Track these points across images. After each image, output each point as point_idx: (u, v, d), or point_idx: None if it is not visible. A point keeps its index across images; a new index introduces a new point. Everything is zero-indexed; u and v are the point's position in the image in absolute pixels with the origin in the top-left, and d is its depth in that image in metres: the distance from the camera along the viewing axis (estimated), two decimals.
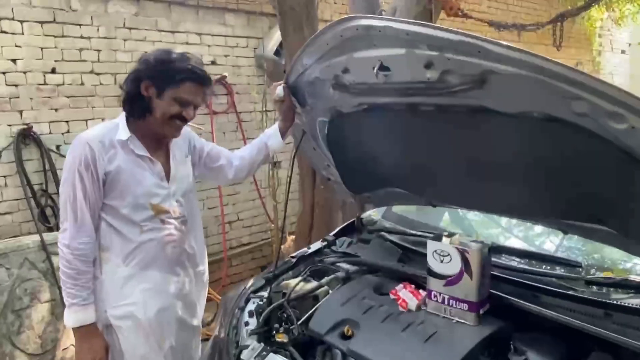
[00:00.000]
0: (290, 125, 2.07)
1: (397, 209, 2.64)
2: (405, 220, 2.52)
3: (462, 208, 1.95)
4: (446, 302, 1.69)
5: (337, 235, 2.50)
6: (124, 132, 1.77)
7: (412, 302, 1.77)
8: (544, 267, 1.84)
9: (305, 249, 2.42)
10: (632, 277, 1.60)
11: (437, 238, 1.71)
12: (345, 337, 1.72)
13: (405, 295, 1.82)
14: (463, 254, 1.62)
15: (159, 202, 1.80)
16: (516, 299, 1.64)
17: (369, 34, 1.34)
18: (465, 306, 1.64)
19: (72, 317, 1.71)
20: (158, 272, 1.82)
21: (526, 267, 1.84)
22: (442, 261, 1.68)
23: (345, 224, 2.58)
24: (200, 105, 1.84)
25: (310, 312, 1.93)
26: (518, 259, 1.92)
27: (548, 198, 1.48)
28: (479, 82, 1.23)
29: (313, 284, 2.10)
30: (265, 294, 2.07)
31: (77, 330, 1.73)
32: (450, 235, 1.70)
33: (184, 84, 1.74)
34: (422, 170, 1.89)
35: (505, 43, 1.11)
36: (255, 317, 1.93)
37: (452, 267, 1.65)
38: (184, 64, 1.74)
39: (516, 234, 2.46)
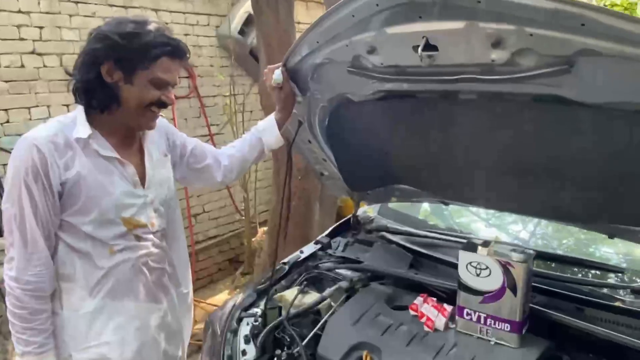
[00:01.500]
0: (288, 116, 1.71)
1: (394, 205, 2.36)
2: (403, 217, 2.24)
3: (488, 208, 1.69)
4: (482, 321, 1.42)
5: (330, 236, 2.19)
6: (83, 128, 1.35)
7: (439, 321, 1.50)
8: (580, 274, 1.61)
9: (298, 253, 2.10)
10: None
11: (471, 248, 1.43)
12: None
13: (429, 311, 1.54)
14: (506, 268, 1.35)
15: (133, 215, 1.42)
16: (560, 314, 1.40)
17: (416, 2, 1.01)
18: (507, 326, 1.38)
19: None
20: (134, 302, 1.44)
21: (563, 274, 1.60)
22: (478, 275, 1.40)
23: (339, 222, 2.27)
24: (178, 82, 1.44)
25: (314, 330, 1.63)
26: (551, 264, 1.69)
27: (610, 201, 1.23)
28: (566, 66, 0.94)
29: (313, 296, 1.79)
30: (258, 310, 1.74)
31: None
32: (486, 243, 1.43)
33: (159, 60, 1.35)
34: (443, 165, 1.60)
35: (617, 11, 0.82)
36: (252, 342, 1.60)
37: (492, 282, 1.38)
38: (155, 36, 1.33)
39: (494, 223, 2.29)
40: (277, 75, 1.56)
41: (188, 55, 1.42)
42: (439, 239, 1.94)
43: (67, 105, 3.41)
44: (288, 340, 1.61)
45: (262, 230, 4.24)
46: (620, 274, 1.55)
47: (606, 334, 1.30)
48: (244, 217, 4.34)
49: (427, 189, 1.75)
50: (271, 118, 1.74)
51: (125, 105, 1.36)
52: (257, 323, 1.69)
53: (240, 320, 1.71)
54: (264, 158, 1.88)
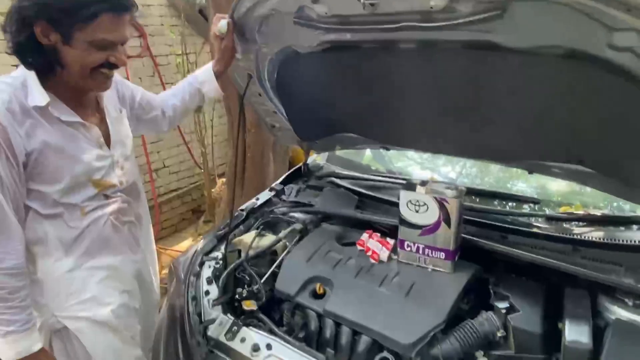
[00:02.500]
0: (226, 68, 1.56)
1: (340, 152, 2.32)
2: (349, 164, 2.22)
3: (425, 151, 1.68)
4: (421, 252, 1.44)
5: (283, 183, 2.13)
6: (39, 96, 1.15)
7: (383, 253, 1.51)
8: (503, 206, 1.66)
9: (254, 200, 2.04)
10: (592, 212, 1.46)
11: (411, 187, 1.42)
12: (317, 295, 1.44)
13: (374, 245, 1.54)
14: (442, 204, 1.36)
15: (102, 177, 1.28)
16: (487, 242, 1.44)
17: None
18: (442, 255, 1.41)
19: (13, 349, 1.17)
20: (112, 257, 1.34)
21: (489, 207, 1.64)
22: (417, 211, 1.41)
23: (291, 171, 2.21)
24: (128, 39, 1.22)
25: (272, 269, 1.61)
26: (476, 199, 1.72)
27: (531, 139, 1.25)
28: (498, 12, 0.90)
29: (269, 238, 1.75)
30: (219, 254, 1.69)
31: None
32: (423, 183, 1.42)
33: (98, 19, 1.12)
34: (385, 113, 1.55)
35: None
36: (214, 283, 1.56)
37: (429, 216, 1.39)
38: None
39: (428, 166, 2.32)
40: (223, 24, 1.42)
41: (135, 9, 1.20)
42: (381, 181, 1.94)
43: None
44: (248, 279, 1.57)
45: (220, 181, 4.12)
46: (536, 205, 1.60)
47: (525, 256, 1.35)
48: (203, 170, 4.19)
49: (370, 136, 1.71)
50: (208, 68, 1.58)
51: (70, 69, 1.17)
52: (218, 266, 1.64)
53: (202, 264, 1.66)
54: (202, 107, 1.74)
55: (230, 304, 1.52)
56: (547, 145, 1.22)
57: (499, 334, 1.23)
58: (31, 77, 1.17)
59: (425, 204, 1.38)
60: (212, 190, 4.09)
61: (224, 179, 4.08)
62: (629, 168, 1.12)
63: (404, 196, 1.42)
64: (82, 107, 1.26)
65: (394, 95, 1.41)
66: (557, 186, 1.69)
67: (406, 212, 1.43)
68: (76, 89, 1.23)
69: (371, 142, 1.79)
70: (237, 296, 1.52)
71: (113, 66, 1.21)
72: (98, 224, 1.29)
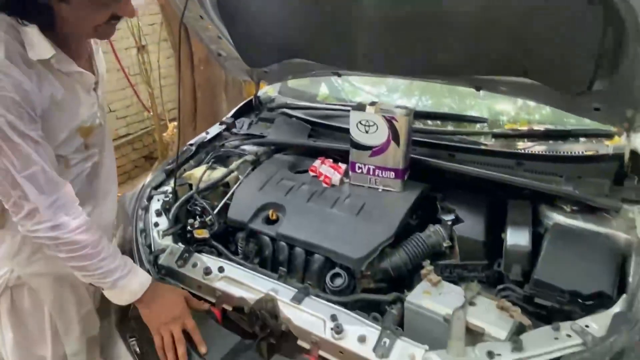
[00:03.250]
0: None
1: (293, 83, 2.26)
2: (302, 95, 2.17)
3: (378, 74, 1.66)
4: (371, 173, 1.46)
5: (235, 117, 2.07)
6: (43, 48, 1.00)
7: (335, 177, 1.52)
8: (451, 126, 1.69)
9: (204, 134, 1.98)
10: (535, 127, 1.51)
11: (360, 108, 1.41)
12: (270, 221, 1.44)
13: (326, 170, 1.55)
14: (390, 122, 1.36)
15: (89, 123, 1.18)
16: (435, 160, 1.47)
17: None
18: (391, 174, 1.43)
19: (127, 292, 1.14)
20: (93, 207, 1.26)
21: (435, 128, 1.66)
22: (367, 131, 1.40)
23: (241, 104, 2.14)
24: None
25: (224, 200, 1.59)
26: (425, 120, 1.74)
27: (477, 53, 1.24)
28: None
29: (221, 170, 1.73)
30: (168, 188, 1.65)
31: (140, 301, 1.16)
32: (372, 103, 1.41)
33: None
34: (331, 35, 1.50)
35: None
36: (164, 215, 1.52)
37: (379, 136, 1.39)
38: None
39: (382, 99, 2.31)
40: None
41: None
42: (334, 109, 1.91)
43: None
44: (199, 211, 1.55)
45: (172, 125, 3.97)
46: (483, 123, 1.64)
47: (470, 171, 1.39)
48: (152, 114, 4.01)
49: (320, 60, 1.66)
50: None
51: (71, 27, 1.02)
52: (167, 199, 1.60)
53: (150, 198, 1.61)
54: None
55: (182, 235, 1.50)
56: (492, 58, 1.22)
57: (445, 245, 1.28)
58: (33, 30, 1.01)
59: (374, 123, 1.38)
60: (164, 134, 3.95)
61: (175, 123, 3.93)
62: (569, 76, 1.14)
63: (354, 117, 1.41)
64: (78, 55, 1.13)
65: (343, 12, 1.36)
66: (504, 107, 1.73)
67: (356, 133, 1.42)
68: (76, 38, 1.11)
69: (322, 67, 1.74)
70: (188, 227, 1.50)
71: (119, 18, 1.06)
72: (81, 177, 1.20)
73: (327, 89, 2.43)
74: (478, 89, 1.44)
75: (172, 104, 4.38)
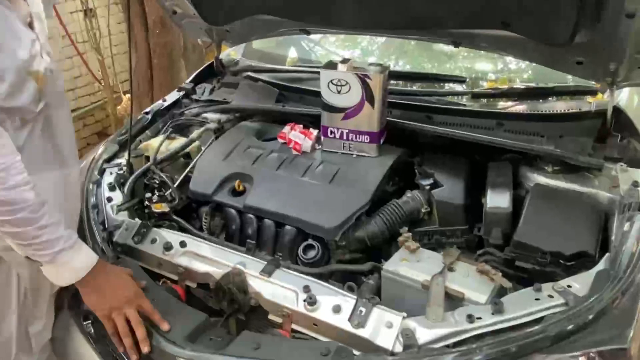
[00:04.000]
0: None
1: (257, 45, 2.19)
2: (269, 57, 2.10)
3: (350, 29, 1.60)
4: (345, 137, 1.44)
5: (194, 82, 1.99)
6: None
7: (306, 143, 1.49)
8: (428, 86, 1.67)
9: (160, 101, 1.90)
10: (516, 85, 1.51)
11: (331, 66, 1.37)
12: (237, 193, 1.41)
13: (296, 136, 1.51)
14: (364, 81, 1.32)
15: (34, 67, 1.04)
16: (411, 122, 1.46)
17: None
18: (366, 138, 1.41)
19: (68, 270, 1.03)
20: (50, 172, 1.14)
21: (412, 89, 1.64)
22: (339, 92, 1.37)
23: (201, 68, 2.06)
24: None
25: (186, 172, 1.55)
26: (402, 82, 1.71)
27: (454, 3, 1.21)
28: None
29: (181, 140, 1.68)
30: (122, 161, 1.58)
31: (84, 283, 1.05)
32: (345, 60, 1.37)
33: None
34: None
35: None
36: (118, 189, 1.46)
37: (352, 97, 1.36)
38: None
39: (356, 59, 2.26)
40: None
41: None
42: (303, 72, 1.86)
43: None
44: (158, 184, 1.50)
45: (126, 97, 3.82)
46: (462, 83, 1.63)
47: (448, 133, 1.38)
48: (103, 86, 3.83)
49: (286, 16, 1.59)
50: None
51: None
52: (121, 172, 1.54)
53: (103, 171, 1.54)
54: None
55: (140, 211, 1.45)
56: (469, 8, 1.20)
57: (423, 210, 1.28)
58: None
59: (347, 82, 1.35)
60: (118, 108, 3.79)
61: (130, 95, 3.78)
62: (550, 26, 1.13)
63: (325, 76, 1.37)
64: None
65: None
66: (484, 67, 1.72)
67: (328, 95, 1.39)
68: None
69: (290, 24, 1.67)
70: (146, 202, 1.45)
71: None
72: (34, 134, 1.08)
73: (296, 52, 2.37)
74: (457, 44, 1.42)
75: (126, 74, 4.20)
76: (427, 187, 1.30)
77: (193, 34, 1.96)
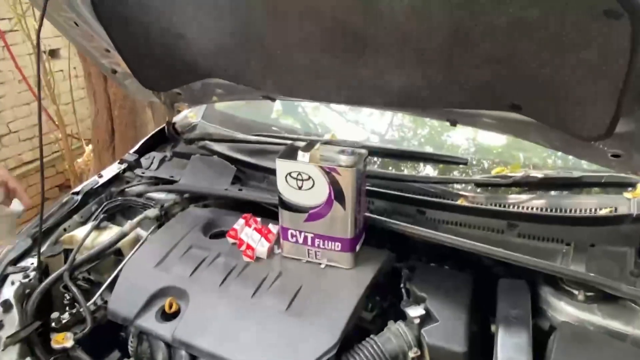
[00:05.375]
0: None
1: (222, 105, 1.98)
2: (234, 121, 1.89)
3: (323, 101, 1.39)
4: (310, 243, 1.18)
5: (140, 152, 1.76)
6: None
7: (261, 247, 1.23)
8: (422, 169, 1.43)
9: (96, 177, 1.67)
10: (533, 173, 1.26)
11: (289, 154, 1.13)
12: (167, 316, 1.16)
13: (250, 237, 1.26)
14: (331, 175, 1.08)
15: None
16: (398, 223, 1.21)
17: None
18: (337, 245, 1.16)
19: None
20: None
21: (401, 173, 1.41)
22: (300, 187, 1.13)
23: (151, 134, 1.84)
24: None
25: (112, 277, 1.31)
26: (387, 161, 1.49)
27: (448, 80, 0.99)
28: None
29: (113, 231, 1.46)
30: (33, 261, 1.33)
31: None
32: (309, 146, 1.13)
33: None
34: (253, 49, 1.23)
35: None
36: (16, 308, 1.20)
37: (317, 194, 1.12)
38: None
39: (353, 118, 2.09)
40: None
41: None
42: (272, 143, 1.63)
43: None
44: (69, 299, 1.25)
45: (89, 148, 3.61)
46: (463, 165, 1.40)
47: (446, 241, 1.13)
48: (60, 136, 3.64)
49: (242, 82, 1.38)
50: None
51: None
52: (28, 280, 1.29)
53: (5, 278, 1.29)
54: None
55: (43, 338, 1.18)
56: (470, 87, 0.97)
57: (411, 355, 1.01)
58: None
59: (309, 177, 1.10)
60: (78, 160, 3.58)
61: (90, 146, 3.58)
62: (578, 115, 0.90)
63: (282, 167, 1.13)
64: None
65: (267, 20, 1.08)
66: (490, 140, 1.49)
67: (286, 190, 1.15)
68: None
69: (247, 90, 1.46)
70: (53, 324, 1.18)
71: None
72: None
73: (281, 105, 2.18)
74: (453, 123, 1.19)
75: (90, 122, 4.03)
76: (417, 321, 1.03)
77: (139, 95, 1.75)
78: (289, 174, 1.12)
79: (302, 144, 1.18)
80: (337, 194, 1.10)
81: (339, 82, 1.15)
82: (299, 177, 1.11)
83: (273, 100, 1.51)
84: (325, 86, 1.18)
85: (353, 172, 1.07)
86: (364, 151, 1.14)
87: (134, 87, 1.66)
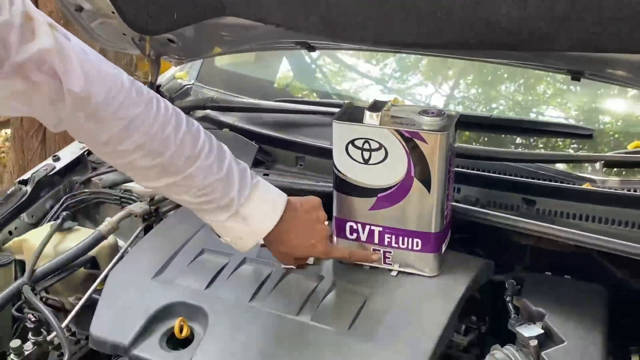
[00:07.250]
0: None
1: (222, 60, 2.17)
2: (244, 82, 2.05)
3: (382, 45, 1.53)
4: (377, 240, 1.32)
5: None
6: None
7: None
8: (526, 147, 1.58)
9: (49, 160, 1.84)
10: None
11: (349, 116, 1.27)
12: (176, 342, 1.29)
13: None
14: (412, 143, 1.21)
15: None
16: (500, 214, 1.35)
17: None
18: (416, 243, 1.29)
19: (258, 213, 1.24)
20: None
21: (500, 149, 1.56)
22: (366, 160, 1.26)
23: None
24: None
25: (88, 294, 1.50)
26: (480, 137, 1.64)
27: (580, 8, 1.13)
28: None
29: (82, 233, 1.64)
30: None
31: (280, 225, 1.26)
32: (377, 106, 1.26)
33: None
34: None
35: None
36: None
37: (389, 170, 1.25)
38: None
39: (394, 87, 2.29)
40: None
41: None
42: (302, 111, 1.79)
43: None
44: (33, 322, 1.38)
45: (3, 132, 3.86)
46: (587, 139, 1.54)
47: (570, 237, 1.27)
48: None
49: (273, 19, 1.52)
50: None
51: None
52: None
53: None
54: None
55: None
56: (608, 18, 1.10)
57: None
58: None
59: (380, 145, 1.23)
60: None
61: (8, 130, 3.80)
62: None
63: (341, 133, 1.26)
64: None
65: None
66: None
67: (346, 165, 1.29)
68: None
69: (275, 34, 1.61)
70: (12, 356, 1.34)
71: None
72: None
73: (289, 65, 2.39)
74: (576, 75, 1.33)
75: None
76: (534, 343, 1.16)
77: (110, 44, 1.91)
78: (352, 141, 1.25)
79: (362, 103, 1.32)
80: (420, 170, 1.23)
81: (414, 13, 1.28)
82: (366, 146, 1.24)
83: (312, 49, 1.66)
84: (392, 19, 1.31)
85: (443, 139, 1.20)
86: (454, 112, 1.27)
87: (105, 33, 1.83)
